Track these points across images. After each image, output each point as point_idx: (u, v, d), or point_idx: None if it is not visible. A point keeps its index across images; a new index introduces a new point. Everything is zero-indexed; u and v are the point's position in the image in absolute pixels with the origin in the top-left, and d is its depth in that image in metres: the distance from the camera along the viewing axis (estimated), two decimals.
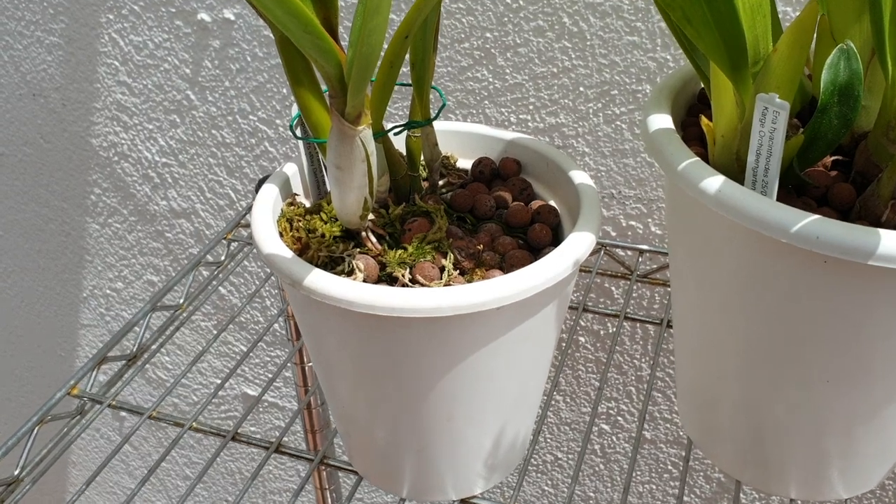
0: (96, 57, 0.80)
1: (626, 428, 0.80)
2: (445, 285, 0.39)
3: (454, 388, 0.39)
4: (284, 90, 0.73)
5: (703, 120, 0.39)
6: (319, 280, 0.36)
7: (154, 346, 0.58)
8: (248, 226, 0.70)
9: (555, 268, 0.37)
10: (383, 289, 0.36)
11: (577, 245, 0.38)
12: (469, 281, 0.40)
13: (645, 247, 0.64)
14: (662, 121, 0.40)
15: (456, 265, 0.40)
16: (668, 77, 0.44)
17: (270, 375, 0.94)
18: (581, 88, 0.63)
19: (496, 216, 0.44)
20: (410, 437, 0.42)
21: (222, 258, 0.65)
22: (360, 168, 0.33)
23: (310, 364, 0.75)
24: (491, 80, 0.65)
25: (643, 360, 0.75)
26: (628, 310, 0.62)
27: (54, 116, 0.86)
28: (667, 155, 0.38)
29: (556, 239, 0.43)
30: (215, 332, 0.93)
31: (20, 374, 1.17)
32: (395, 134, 0.39)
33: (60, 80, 0.83)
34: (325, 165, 0.43)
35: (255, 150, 0.78)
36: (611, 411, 0.79)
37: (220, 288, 0.89)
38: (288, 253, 0.38)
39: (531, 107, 0.65)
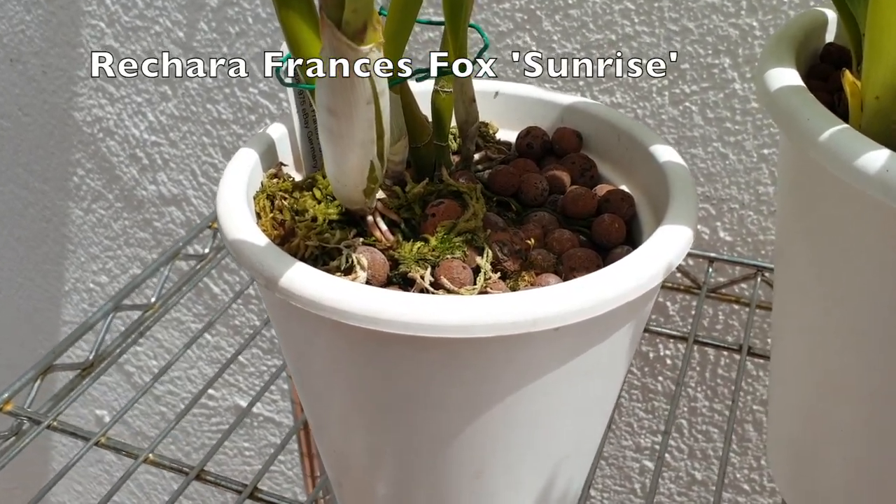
0: (80, 17, 0.70)
1: (673, 466, 0.69)
2: (481, 292, 0.28)
3: (487, 434, 0.28)
4: None
5: (848, 77, 0.28)
6: (303, 279, 0.25)
7: (114, 354, 0.47)
8: None
9: (639, 275, 0.26)
10: (394, 294, 0.25)
11: (669, 243, 0.27)
12: (513, 288, 0.29)
13: (713, 255, 0.53)
14: (789, 76, 0.29)
15: (495, 265, 0.29)
16: (786, 27, 0.33)
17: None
18: (644, 61, 0.52)
19: (549, 203, 0.33)
20: (424, 496, 0.31)
21: (206, 250, 0.54)
22: (365, 113, 0.22)
23: None
24: (535, 48, 0.55)
25: (699, 388, 0.63)
26: (697, 333, 0.51)
27: (34, 86, 0.76)
28: (801, 120, 0.27)
29: (629, 236, 0.32)
30: (208, 336, 0.83)
31: None
32: (418, 80, 0.28)
33: (41, 42, 0.73)
34: None
35: (254, 128, 0.68)
36: (656, 446, 0.68)
37: (213, 287, 0.78)
38: (261, 239, 0.27)
39: (581, 82, 0.54)
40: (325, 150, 0.24)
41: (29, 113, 0.78)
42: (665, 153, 0.32)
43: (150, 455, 0.40)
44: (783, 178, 0.32)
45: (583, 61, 0.54)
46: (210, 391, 0.88)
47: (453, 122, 0.32)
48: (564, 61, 0.54)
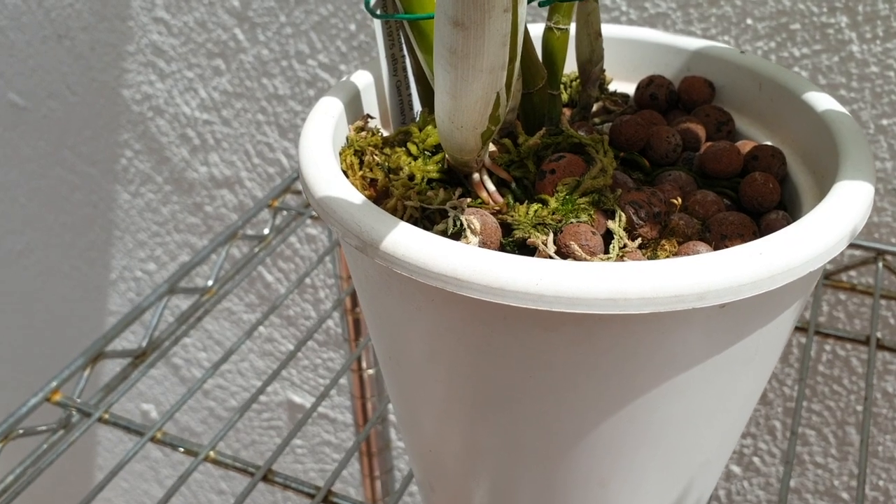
0: None
1: (762, 472, 0.63)
2: (617, 261, 0.23)
3: (621, 435, 0.23)
4: (353, 26, 0.58)
5: None
6: (410, 241, 0.21)
7: (167, 342, 0.43)
8: (299, 192, 0.55)
9: (828, 238, 0.21)
10: (523, 260, 0.20)
11: (853, 202, 0.22)
12: (652, 258, 0.24)
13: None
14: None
15: (630, 231, 0.24)
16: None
17: (321, 380, 0.79)
18: (749, 21, 0.47)
19: (683, 161, 0.28)
20: None
21: (265, 231, 0.50)
22: (500, 25, 0.17)
23: (370, 371, 0.60)
24: (625, 7, 0.50)
25: (796, 387, 0.58)
26: (821, 321, 0.46)
27: (82, 63, 0.73)
28: None
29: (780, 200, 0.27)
30: (261, 328, 0.79)
31: (42, 365, 1.05)
32: (541, 5, 0.24)
33: (89, 17, 0.70)
34: (414, 69, 0.27)
35: (313, 105, 0.63)
36: (745, 450, 0.63)
37: (266, 275, 0.74)
38: (356, 196, 0.22)
39: None
40: (440, 81, 0.19)
41: (77, 92, 0.75)
42: (823, 101, 0.27)
43: (211, 453, 0.36)
44: None
45: (679, 21, 0.49)
46: (259, 384, 0.84)
47: (575, 64, 0.27)
48: (658, 21, 0.49)
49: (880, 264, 0.46)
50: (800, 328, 0.43)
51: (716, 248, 0.24)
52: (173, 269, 0.82)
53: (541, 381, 0.22)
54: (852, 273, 0.52)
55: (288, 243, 0.71)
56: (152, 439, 0.38)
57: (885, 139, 0.48)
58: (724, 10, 0.47)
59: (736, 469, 0.64)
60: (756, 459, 0.63)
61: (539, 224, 0.24)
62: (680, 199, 0.25)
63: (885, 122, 0.47)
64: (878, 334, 0.52)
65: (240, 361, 0.84)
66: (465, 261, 0.20)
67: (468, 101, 0.19)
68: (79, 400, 0.40)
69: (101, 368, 0.89)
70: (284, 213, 0.52)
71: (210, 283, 0.47)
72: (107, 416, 0.39)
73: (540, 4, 0.23)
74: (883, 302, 0.50)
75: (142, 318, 0.52)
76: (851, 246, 0.48)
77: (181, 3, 0.64)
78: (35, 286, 0.96)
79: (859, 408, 0.57)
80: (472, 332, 0.22)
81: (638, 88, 0.30)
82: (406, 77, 0.29)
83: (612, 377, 0.22)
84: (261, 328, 0.79)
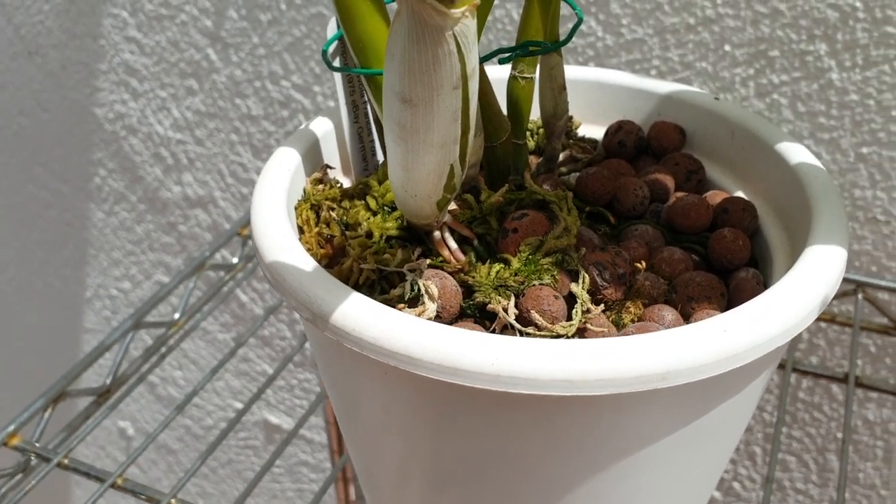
0: (100, 6, 0.65)
1: (743, 497, 0.62)
2: (579, 330, 0.22)
3: None
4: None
5: None
6: (360, 314, 0.20)
7: (132, 380, 0.42)
8: None
9: (798, 311, 0.20)
10: (478, 338, 0.19)
11: (824, 270, 0.21)
12: (616, 323, 0.23)
13: None
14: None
15: (593, 294, 0.23)
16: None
17: (297, 401, 0.78)
18: (727, 47, 0.46)
19: (650, 213, 0.27)
20: None
21: (235, 260, 0.49)
22: (449, 101, 0.16)
23: None
24: (601, 34, 0.49)
25: (776, 413, 0.57)
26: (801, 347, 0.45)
27: (53, 80, 0.71)
28: None
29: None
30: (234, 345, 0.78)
31: (15, 382, 1.03)
32: (501, 62, 0.23)
33: (60, 35, 0.68)
34: (374, 116, 0.26)
35: (286, 126, 0.62)
36: (725, 475, 0.62)
37: (241, 295, 0.73)
38: (307, 262, 0.22)
39: (654, 71, 0.48)
40: (392, 152, 0.19)
41: (48, 109, 0.73)
42: (796, 153, 0.26)
43: (173, 501, 0.35)
44: None
45: (655, 48, 0.48)
46: (237, 404, 0.83)
47: (540, 115, 0.26)
48: (635, 48, 0.48)
49: (860, 296, 0.45)
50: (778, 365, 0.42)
51: (682, 311, 0.23)
52: (149, 288, 0.80)
53: (500, 456, 0.21)
54: (833, 301, 0.51)
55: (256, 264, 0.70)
56: (113, 485, 0.37)
57: (864, 167, 0.47)
58: (702, 36, 0.47)
59: (716, 494, 0.63)
60: (736, 485, 0.62)
61: (501, 286, 0.23)
62: (644, 263, 0.24)
63: (864, 150, 0.47)
64: (858, 371, 0.51)
65: (216, 381, 0.83)
66: (418, 337, 0.19)
67: (420, 173, 0.19)
68: (38, 444, 0.38)
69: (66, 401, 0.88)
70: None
71: (177, 315, 0.46)
72: (66, 461, 0.38)
73: (500, 62, 0.22)
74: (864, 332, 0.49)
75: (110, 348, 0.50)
76: None
77: (153, 23, 0.63)
78: (9, 303, 0.94)
79: (840, 434, 0.57)
80: (428, 408, 0.21)
81: (606, 134, 0.29)
82: (368, 123, 0.28)
83: (573, 454, 0.21)
84: (232, 345, 0.78)
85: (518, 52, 0.22)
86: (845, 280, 0.46)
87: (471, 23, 0.15)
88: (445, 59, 0.15)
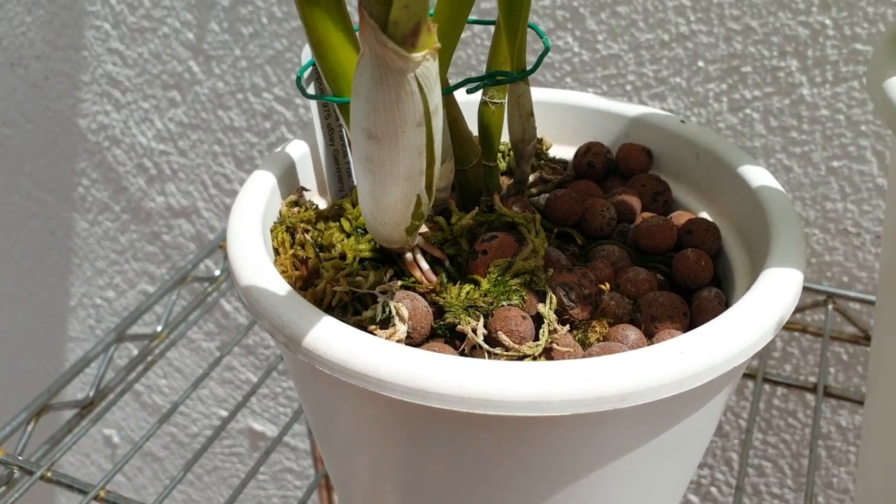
0: (83, 18, 0.65)
1: (720, 501, 0.63)
2: (546, 350, 0.23)
3: None
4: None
5: None
6: (331, 338, 0.21)
7: (114, 392, 0.43)
8: None
9: (754, 332, 0.21)
10: (445, 360, 0.20)
11: (780, 292, 0.22)
12: (582, 342, 0.24)
13: None
14: None
15: (560, 314, 0.24)
16: None
17: (281, 408, 0.79)
18: (700, 63, 0.47)
19: (617, 233, 0.28)
20: None
21: (217, 272, 0.50)
22: (413, 138, 0.17)
23: None
24: (577, 49, 0.50)
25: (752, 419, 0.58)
26: (774, 355, 0.46)
27: (36, 91, 0.72)
28: None
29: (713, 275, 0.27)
30: (218, 354, 0.78)
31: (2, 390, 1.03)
32: (469, 92, 0.23)
33: (42, 46, 0.69)
34: (349, 139, 0.27)
35: (269, 137, 0.63)
36: (702, 480, 0.63)
37: (224, 304, 0.74)
38: (281, 286, 0.22)
39: (629, 87, 0.49)
40: (360, 182, 0.19)
41: (31, 119, 0.74)
42: (758, 176, 0.27)
43: None
44: None
45: (630, 63, 0.49)
46: (221, 412, 0.84)
47: (508, 139, 0.27)
48: (611, 63, 0.49)
49: (830, 307, 0.46)
50: (748, 375, 0.43)
51: (645, 331, 0.24)
52: (133, 298, 0.81)
53: (469, 474, 0.22)
54: (805, 312, 0.52)
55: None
56: (96, 498, 0.37)
57: (835, 181, 0.48)
58: (676, 52, 0.48)
59: (694, 498, 0.64)
60: (713, 489, 0.63)
61: (471, 307, 0.24)
62: (609, 284, 0.25)
63: (835, 163, 0.48)
64: (831, 379, 0.52)
65: (200, 389, 0.83)
66: (386, 360, 0.20)
67: (387, 202, 0.19)
68: (20, 458, 0.39)
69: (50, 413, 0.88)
70: None
71: (159, 328, 0.47)
72: (49, 473, 0.38)
73: (468, 91, 0.23)
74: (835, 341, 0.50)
75: (93, 361, 0.51)
76: (803, 289, 0.49)
77: (136, 35, 0.63)
78: None
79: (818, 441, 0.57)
80: (398, 428, 0.22)
81: (576, 156, 0.30)
82: (343, 146, 0.28)
83: (541, 471, 0.22)
84: (216, 353, 0.78)
85: (486, 82, 0.23)
86: (816, 291, 0.47)
87: (432, 65, 0.16)
88: (408, 98, 0.16)
